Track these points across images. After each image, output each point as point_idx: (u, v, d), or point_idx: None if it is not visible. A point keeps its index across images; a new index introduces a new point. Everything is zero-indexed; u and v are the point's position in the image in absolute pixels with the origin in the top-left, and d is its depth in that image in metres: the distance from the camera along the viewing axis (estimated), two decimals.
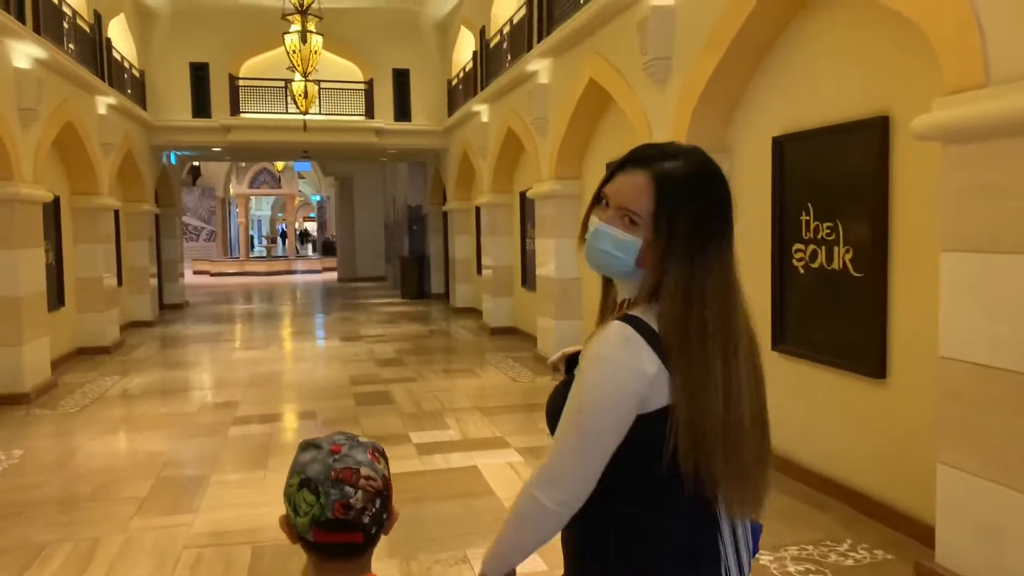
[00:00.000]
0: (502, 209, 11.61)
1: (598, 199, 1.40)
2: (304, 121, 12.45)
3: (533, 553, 1.42)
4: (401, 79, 14.56)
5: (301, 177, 35.92)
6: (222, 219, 35.02)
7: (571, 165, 8.60)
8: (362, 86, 14.41)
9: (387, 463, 1.29)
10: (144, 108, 12.96)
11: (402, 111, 14.58)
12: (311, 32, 9.36)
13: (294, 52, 9.35)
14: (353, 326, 12.88)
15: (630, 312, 1.33)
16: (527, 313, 10.99)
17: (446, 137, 14.64)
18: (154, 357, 10.01)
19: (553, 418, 1.40)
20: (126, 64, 12.04)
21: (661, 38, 5.75)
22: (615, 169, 1.39)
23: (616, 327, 1.30)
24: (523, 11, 9.40)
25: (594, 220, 1.39)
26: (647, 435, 1.29)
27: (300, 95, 12.03)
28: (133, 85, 12.49)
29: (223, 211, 35.42)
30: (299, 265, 29.45)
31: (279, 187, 32.72)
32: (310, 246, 43.26)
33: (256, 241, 44.22)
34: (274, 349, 10.55)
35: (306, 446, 1.26)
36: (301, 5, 9.95)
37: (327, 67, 13.86)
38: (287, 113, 13.93)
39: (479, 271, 13.91)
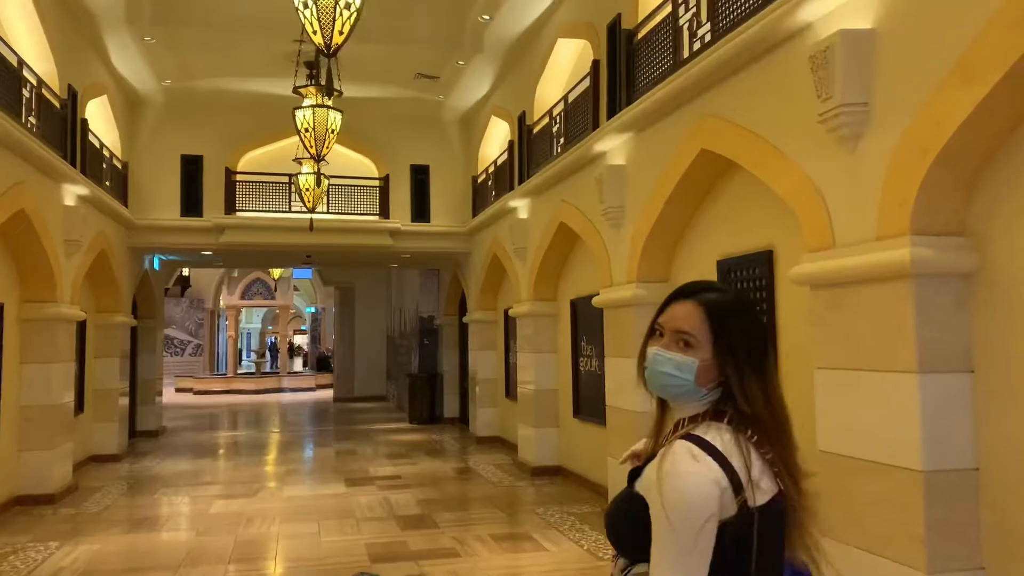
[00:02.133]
0: (545, 320, 9.70)
1: (652, 331, 1.59)
2: (310, 219, 10.71)
3: None
4: (420, 176, 12.97)
5: (296, 289, 34.20)
6: (210, 332, 33.02)
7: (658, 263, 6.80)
8: (377, 183, 12.80)
9: None
10: (125, 204, 11.22)
11: (420, 211, 12.91)
12: (328, 107, 7.69)
13: (306, 131, 7.69)
14: (359, 462, 10.68)
15: (692, 432, 1.47)
16: (581, 450, 8.90)
17: (469, 240, 12.92)
18: (111, 510, 7.78)
19: (615, 530, 1.53)
20: (106, 153, 10.38)
21: (615, 190, 6.96)
22: (665, 303, 1.60)
23: (683, 445, 1.43)
24: (586, 83, 7.83)
25: (651, 349, 1.56)
26: (723, 545, 1.38)
27: (308, 188, 10.33)
28: (114, 177, 10.80)
29: (211, 324, 33.47)
30: (290, 383, 27.24)
31: (273, 298, 30.91)
32: (299, 361, 41.09)
33: (244, 355, 42.09)
34: (264, 498, 8.34)
35: None
36: (315, 74, 8.37)
37: (338, 161, 12.28)
38: (290, 211, 12.23)
39: (508, 393, 11.87)
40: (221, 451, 12.23)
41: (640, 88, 6.55)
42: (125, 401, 11.65)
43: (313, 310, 37.10)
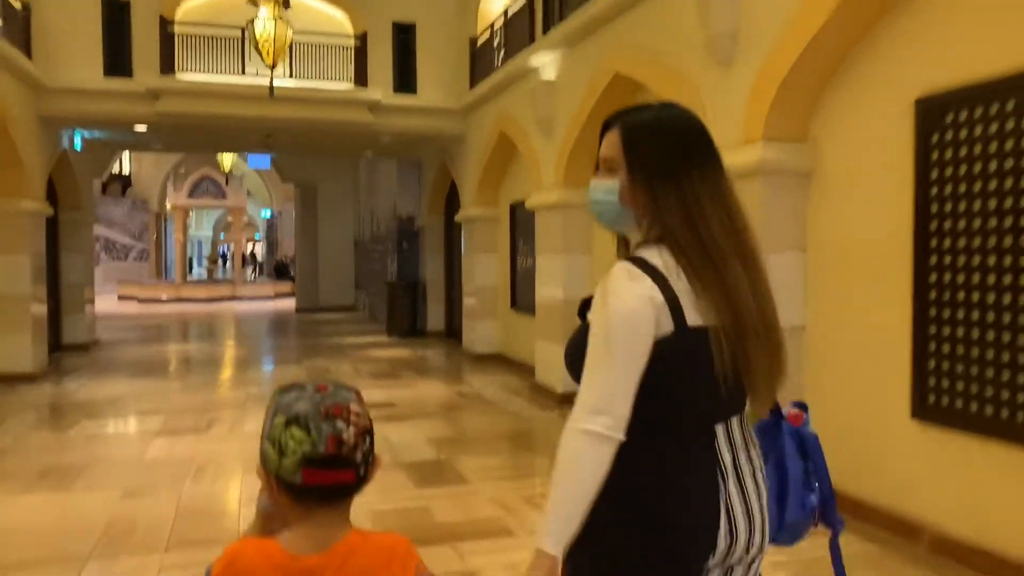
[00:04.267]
0: (576, 213, 7.63)
1: (596, 168, 1.55)
2: (271, 80, 8.36)
3: (590, 503, 1.34)
4: (404, 37, 10.54)
5: (249, 193, 31.43)
6: (156, 237, 30.28)
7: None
8: (351, 41, 10.36)
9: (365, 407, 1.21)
10: (29, 56, 8.70)
11: (404, 80, 10.54)
12: None
13: None
14: None
15: (634, 255, 1.45)
16: None
17: (464, 119, 10.65)
18: (6, 456, 5.71)
19: (573, 360, 1.47)
20: None
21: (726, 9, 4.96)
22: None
23: (619, 266, 1.42)
24: None
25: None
26: (658, 363, 1.37)
27: (267, 38, 7.98)
28: (9, 20, 8.26)
29: (157, 228, 30.69)
30: (246, 291, 24.96)
31: (224, 198, 28.20)
32: (253, 270, 38.56)
33: (196, 264, 39.39)
34: (218, 435, 6.33)
35: (287, 388, 1.22)
36: None
37: (304, 16, 9.81)
38: (243, 74, 9.80)
39: (514, 304, 9.92)
40: (165, 370, 10.12)
41: None
42: (41, 309, 9.39)
43: (269, 215, 34.42)
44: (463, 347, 11.16)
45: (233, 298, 23.93)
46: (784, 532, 1.54)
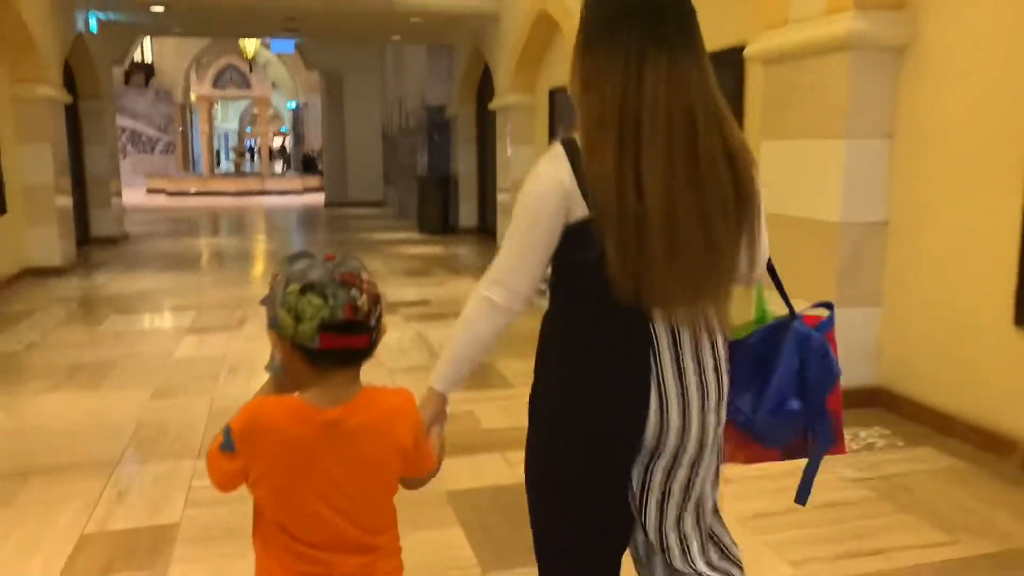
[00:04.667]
0: None
1: None
2: None
3: (479, 359, 1.50)
4: None
5: (274, 85, 30.63)
6: (182, 129, 29.83)
7: None
8: None
9: None
10: None
11: None
12: None
13: None
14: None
15: (570, 135, 1.40)
16: None
17: None
18: (35, 351, 5.54)
19: None
20: None
21: None
22: None
23: (554, 145, 1.39)
24: None
25: None
26: (571, 245, 1.36)
27: None
28: None
29: (183, 120, 30.19)
30: (274, 185, 24.65)
31: (248, 88, 27.49)
32: (283, 163, 38.11)
33: (223, 156, 39.00)
34: (251, 333, 6.10)
35: (294, 258, 1.25)
36: None
37: None
38: None
39: None
40: (196, 264, 9.91)
41: None
42: (66, 201, 9.13)
43: (294, 105, 33.66)
44: (497, 245, 10.79)
45: (261, 192, 23.66)
46: (756, 426, 1.50)
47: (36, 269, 8.47)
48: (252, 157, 39.86)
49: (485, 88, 12.15)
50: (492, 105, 10.60)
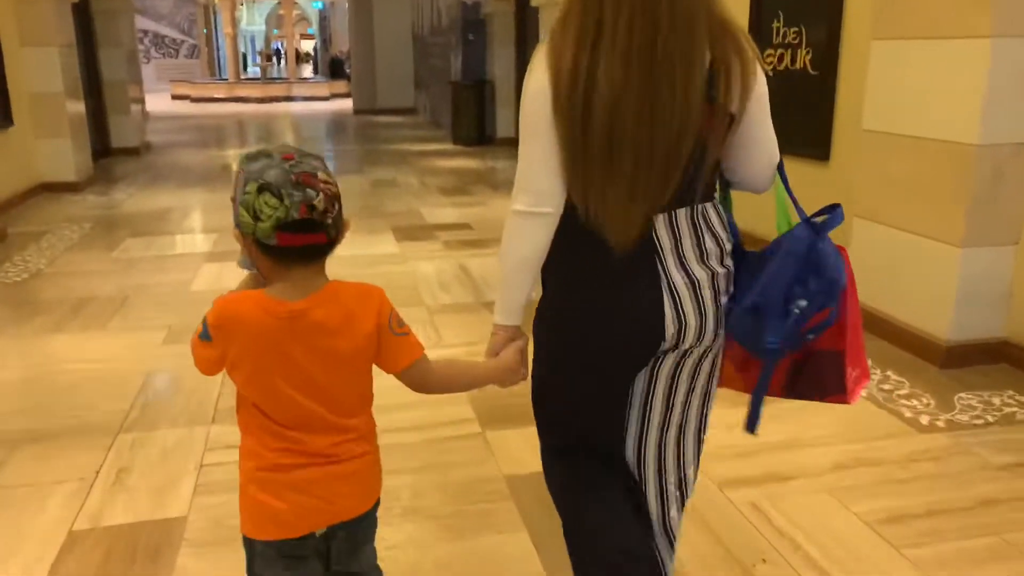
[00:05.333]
0: None
1: None
2: None
3: (533, 277, 1.47)
4: None
5: None
6: (206, 31, 28.79)
7: None
8: None
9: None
10: None
11: None
12: None
13: None
14: (404, 199, 7.82)
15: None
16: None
17: None
18: (39, 282, 5.04)
19: None
20: None
21: None
22: None
23: (540, 44, 1.40)
24: None
25: None
26: None
27: None
28: None
29: (206, 21, 29.11)
30: (301, 90, 23.76)
31: None
32: (308, 68, 36.95)
33: (250, 59, 37.90)
34: None
35: (253, 156, 1.27)
36: None
37: None
38: None
39: None
40: (218, 179, 9.34)
41: None
42: (78, 108, 8.51)
43: (320, 6, 32.29)
44: None
45: (288, 98, 22.83)
46: (739, 328, 1.48)
47: (49, 184, 7.96)
48: (279, 60, 38.68)
49: None
50: (535, 0, 9.63)
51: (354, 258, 5.36)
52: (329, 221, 1.26)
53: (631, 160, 1.31)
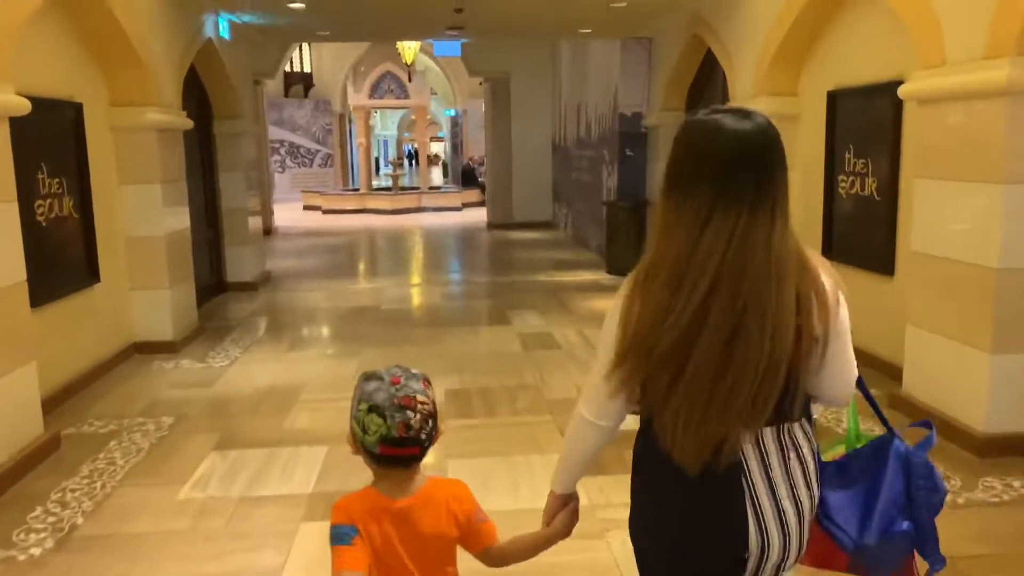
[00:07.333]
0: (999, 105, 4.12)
1: None
2: None
3: (587, 465, 1.68)
4: None
5: (433, 92, 29.11)
6: (340, 140, 28.93)
7: None
8: None
9: (433, 389, 1.62)
10: None
11: None
12: None
13: None
14: (569, 369, 5.90)
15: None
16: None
17: None
18: (97, 514, 3.38)
19: None
20: None
21: None
22: None
23: (630, 274, 1.52)
24: None
25: None
26: None
27: None
28: None
29: (341, 130, 29.29)
30: (431, 201, 22.87)
31: (406, 98, 25.98)
32: (438, 171, 36.81)
33: (381, 164, 38.27)
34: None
35: (368, 377, 1.61)
36: None
37: None
38: None
39: (827, 250, 6.52)
40: (340, 333, 7.77)
41: None
42: (183, 252, 7.23)
43: (453, 113, 32.10)
44: None
45: (419, 209, 21.93)
46: (868, 550, 1.50)
47: (142, 344, 6.60)
48: (411, 163, 38.85)
49: (700, 91, 9.38)
50: (648, 120, 7.79)
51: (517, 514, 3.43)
52: (423, 436, 1.59)
53: (697, 386, 1.38)
